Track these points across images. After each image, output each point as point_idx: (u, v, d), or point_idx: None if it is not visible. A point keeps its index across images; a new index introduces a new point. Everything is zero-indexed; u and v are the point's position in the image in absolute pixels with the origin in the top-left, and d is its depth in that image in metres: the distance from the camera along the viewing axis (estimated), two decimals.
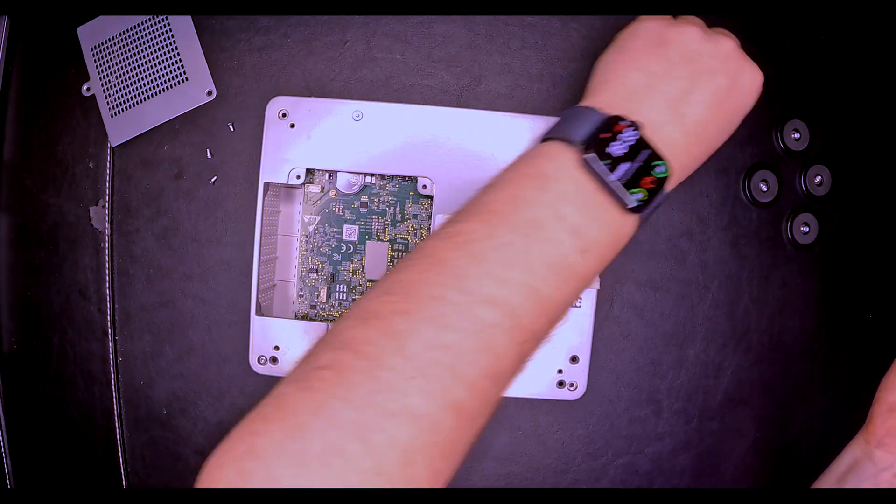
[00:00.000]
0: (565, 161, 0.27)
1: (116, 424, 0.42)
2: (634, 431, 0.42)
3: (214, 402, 0.41)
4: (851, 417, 0.43)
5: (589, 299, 0.40)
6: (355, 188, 0.41)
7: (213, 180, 0.42)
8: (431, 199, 0.39)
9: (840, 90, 0.43)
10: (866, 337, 0.43)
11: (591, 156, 0.26)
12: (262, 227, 0.39)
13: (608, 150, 0.27)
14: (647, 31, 0.31)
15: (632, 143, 0.27)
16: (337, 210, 0.42)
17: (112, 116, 0.42)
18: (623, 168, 0.27)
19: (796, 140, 0.42)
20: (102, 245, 0.42)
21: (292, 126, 0.39)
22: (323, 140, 0.39)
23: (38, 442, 0.42)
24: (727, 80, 0.30)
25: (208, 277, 0.42)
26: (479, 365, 0.24)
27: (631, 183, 0.27)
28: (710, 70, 0.30)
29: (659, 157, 0.28)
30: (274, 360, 0.39)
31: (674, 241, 0.42)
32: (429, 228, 0.41)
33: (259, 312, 0.39)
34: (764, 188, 0.42)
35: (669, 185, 0.28)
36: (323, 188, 0.41)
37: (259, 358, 0.40)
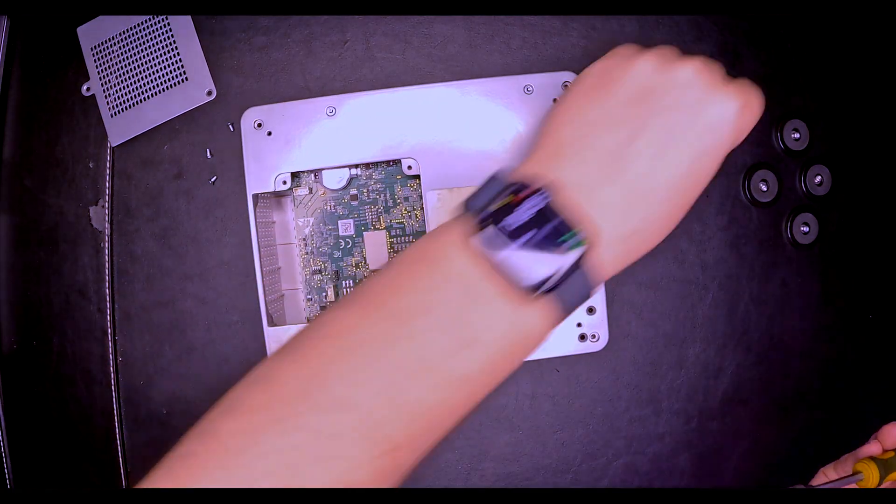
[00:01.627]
0: (454, 239, 0.23)
1: (116, 424, 0.42)
2: (634, 431, 0.42)
3: (215, 402, 0.41)
4: (851, 417, 0.43)
5: None
6: (342, 183, 0.41)
7: (213, 180, 0.42)
8: (419, 179, 0.39)
9: (840, 90, 0.43)
10: (866, 337, 0.43)
11: (481, 232, 0.23)
12: (258, 238, 0.39)
13: (503, 223, 0.22)
14: (592, 72, 0.27)
15: (534, 212, 0.23)
16: (329, 208, 0.42)
17: (112, 116, 0.42)
18: (518, 242, 0.22)
19: (796, 140, 0.42)
20: (102, 245, 0.42)
21: (269, 134, 0.39)
22: (302, 141, 0.39)
23: (38, 442, 0.42)
24: (685, 116, 0.25)
25: (208, 277, 0.42)
26: (320, 477, 0.21)
27: None
28: (662, 108, 0.25)
29: (569, 227, 0.23)
30: None
31: (674, 241, 0.41)
32: (421, 208, 0.41)
33: (271, 323, 0.39)
34: (764, 188, 0.42)
35: (597, 260, 0.23)
36: (311, 189, 0.42)
37: None
